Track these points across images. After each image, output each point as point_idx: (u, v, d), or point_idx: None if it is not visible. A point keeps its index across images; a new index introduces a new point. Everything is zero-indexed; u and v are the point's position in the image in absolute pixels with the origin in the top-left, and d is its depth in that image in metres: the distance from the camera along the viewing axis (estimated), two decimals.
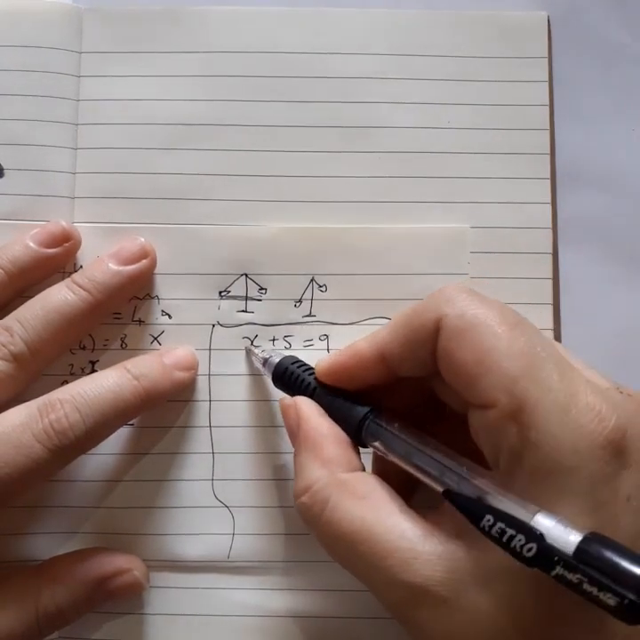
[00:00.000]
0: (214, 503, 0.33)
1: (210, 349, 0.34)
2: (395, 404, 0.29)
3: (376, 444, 0.27)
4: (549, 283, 0.35)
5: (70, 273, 0.34)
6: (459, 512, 0.24)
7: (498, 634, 0.23)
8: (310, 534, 0.27)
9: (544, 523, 0.21)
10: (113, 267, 0.33)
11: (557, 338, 0.34)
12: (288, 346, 0.34)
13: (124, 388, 0.30)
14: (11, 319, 0.31)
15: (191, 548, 0.33)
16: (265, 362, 0.32)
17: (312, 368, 0.30)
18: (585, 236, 0.36)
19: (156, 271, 0.34)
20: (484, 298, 0.26)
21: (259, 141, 0.35)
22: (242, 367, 0.34)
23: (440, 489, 0.24)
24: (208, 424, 0.34)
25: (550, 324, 0.35)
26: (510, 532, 0.21)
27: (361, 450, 0.29)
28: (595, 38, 0.37)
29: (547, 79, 0.36)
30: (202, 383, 0.34)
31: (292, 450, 0.29)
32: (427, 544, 0.24)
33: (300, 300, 0.35)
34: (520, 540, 0.21)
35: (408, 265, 0.35)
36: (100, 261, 0.33)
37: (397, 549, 0.24)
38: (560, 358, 0.25)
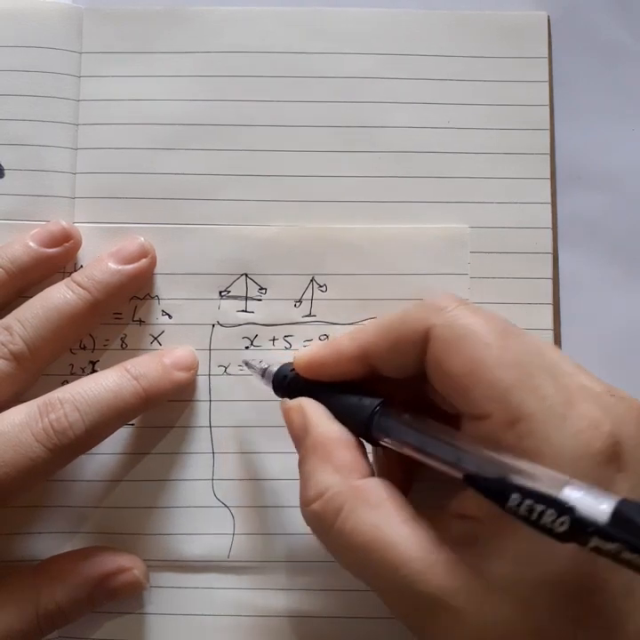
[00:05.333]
0: (214, 503, 0.33)
1: (210, 349, 0.34)
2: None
3: (386, 438, 0.26)
4: (549, 283, 0.35)
5: (70, 273, 0.34)
6: (462, 510, 0.24)
7: None
8: (313, 536, 0.26)
9: (572, 495, 0.20)
10: (113, 266, 0.33)
11: (557, 338, 0.34)
12: (288, 346, 0.34)
13: (123, 387, 0.30)
14: (11, 318, 0.31)
15: (191, 547, 0.33)
16: (264, 372, 0.31)
17: None
18: (585, 235, 0.36)
19: (156, 271, 0.34)
20: (473, 307, 0.26)
21: (258, 141, 0.35)
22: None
23: (460, 475, 0.23)
24: (208, 424, 0.34)
25: (550, 324, 0.34)
26: (539, 508, 0.20)
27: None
28: (595, 38, 0.37)
29: (547, 79, 0.36)
30: (202, 383, 0.34)
31: (294, 449, 0.28)
32: (441, 553, 0.23)
33: (300, 300, 0.35)
34: (551, 516, 0.20)
35: (408, 265, 0.35)
36: (100, 260, 0.33)
37: (411, 559, 0.23)
38: (552, 364, 0.25)
